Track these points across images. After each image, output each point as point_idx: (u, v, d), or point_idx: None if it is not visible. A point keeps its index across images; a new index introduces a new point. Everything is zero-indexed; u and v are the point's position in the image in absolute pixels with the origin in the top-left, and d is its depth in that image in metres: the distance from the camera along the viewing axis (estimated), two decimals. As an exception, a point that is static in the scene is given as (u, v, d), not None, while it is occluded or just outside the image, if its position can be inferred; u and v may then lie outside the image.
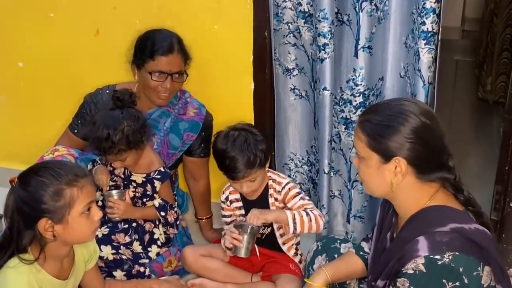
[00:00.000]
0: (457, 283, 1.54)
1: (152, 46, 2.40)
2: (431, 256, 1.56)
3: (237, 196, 2.44)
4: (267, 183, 2.37)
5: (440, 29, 2.21)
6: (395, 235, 1.81)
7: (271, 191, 2.37)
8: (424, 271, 1.56)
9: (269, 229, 2.41)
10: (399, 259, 1.63)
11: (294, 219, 2.24)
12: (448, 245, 1.56)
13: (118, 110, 2.30)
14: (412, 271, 1.57)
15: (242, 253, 2.28)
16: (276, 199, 2.37)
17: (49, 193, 1.70)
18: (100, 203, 2.48)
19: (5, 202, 1.75)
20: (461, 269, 1.54)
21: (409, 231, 1.66)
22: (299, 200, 2.32)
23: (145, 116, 2.53)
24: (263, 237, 2.43)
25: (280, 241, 2.41)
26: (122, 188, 2.47)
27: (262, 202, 2.37)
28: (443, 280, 1.54)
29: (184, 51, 2.47)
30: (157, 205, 2.46)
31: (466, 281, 1.54)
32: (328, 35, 2.29)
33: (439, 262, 1.54)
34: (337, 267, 2.01)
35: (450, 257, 1.55)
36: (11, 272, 1.74)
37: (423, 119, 1.64)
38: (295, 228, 2.25)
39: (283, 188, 2.35)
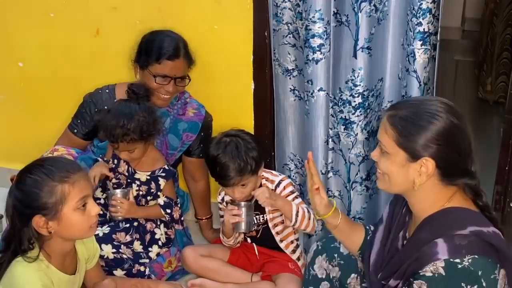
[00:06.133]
0: (476, 287, 1.53)
1: (158, 49, 2.39)
2: (451, 260, 1.55)
3: None
4: (261, 182, 2.37)
5: (440, 29, 2.21)
6: (408, 234, 1.79)
7: None
8: (444, 274, 1.55)
9: (261, 224, 2.41)
10: (416, 260, 1.62)
11: (297, 212, 2.28)
12: (467, 248, 1.55)
13: (134, 102, 2.34)
14: (431, 274, 1.56)
15: (243, 227, 2.30)
16: None
17: (41, 191, 1.73)
18: (102, 201, 2.49)
19: (6, 201, 1.78)
20: (480, 273, 1.54)
21: (427, 233, 1.64)
22: (294, 199, 2.34)
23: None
24: (258, 235, 2.44)
25: (277, 238, 2.41)
26: (124, 186, 2.47)
27: (257, 202, 2.37)
28: (462, 284, 1.53)
29: (189, 56, 2.47)
30: (162, 203, 2.47)
31: (484, 284, 1.54)
32: (324, 35, 2.29)
33: (459, 266, 1.54)
34: (347, 219, 1.99)
35: (470, 260, 1.54)
36: (21, 268, 1.76)
37: (454, 120, 1.62)
38: (296, 221, 2.29)
39: (277, 185, 2.36)
